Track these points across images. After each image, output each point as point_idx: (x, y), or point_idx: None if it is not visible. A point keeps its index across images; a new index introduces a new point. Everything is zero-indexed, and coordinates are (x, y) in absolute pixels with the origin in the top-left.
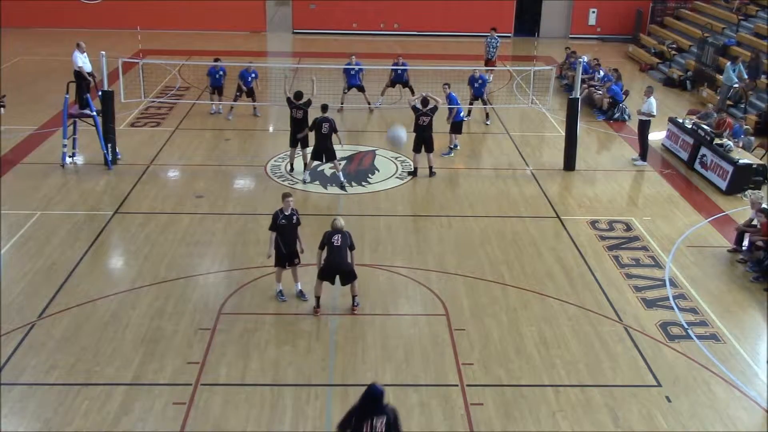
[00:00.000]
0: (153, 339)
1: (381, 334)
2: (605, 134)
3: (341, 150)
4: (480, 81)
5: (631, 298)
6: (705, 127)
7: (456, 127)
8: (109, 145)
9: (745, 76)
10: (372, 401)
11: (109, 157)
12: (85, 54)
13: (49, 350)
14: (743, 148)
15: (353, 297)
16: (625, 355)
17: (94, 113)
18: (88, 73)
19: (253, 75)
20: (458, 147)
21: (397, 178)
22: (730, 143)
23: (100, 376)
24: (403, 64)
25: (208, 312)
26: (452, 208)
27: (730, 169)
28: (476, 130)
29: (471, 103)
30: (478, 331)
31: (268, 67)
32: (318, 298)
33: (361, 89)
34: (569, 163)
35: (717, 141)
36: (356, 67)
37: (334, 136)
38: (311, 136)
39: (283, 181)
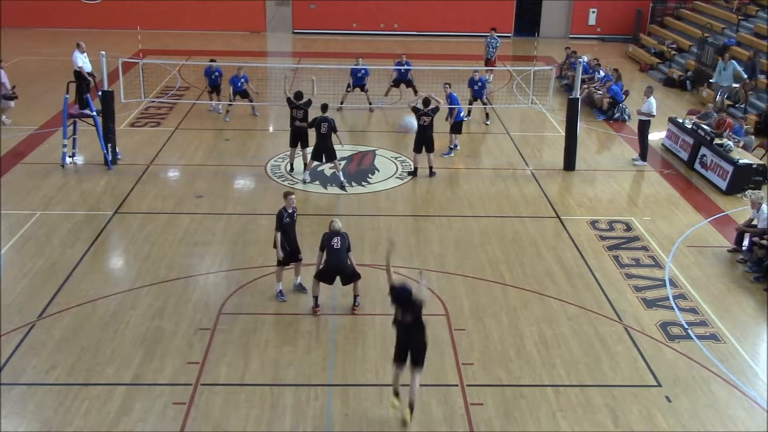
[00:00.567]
0: (153, 339)
1: (381, 334)
2: (605, 134)
3: (341, 150)
4: (480, 83)
5: (631, 298)
6: (705, 127)
7: (456, 127)
8: (109, 145)
9: (744, 76)
10: (406, 298)
11: (109, 157)
12: (85, 54)
13: (49, 350)
14: (743, 148)
15: (355, 296)
16: (625, 355)
17: (94, 113)
18: (88, 73)
19: (243, 80)
20: (458, 147)
21: (397, 178)
22: (730, 143)
23: (100, 376)
24: (407, 63)
25: (208, 312)
26: (452, 208)
27: (730, 169)
28: (476, 130)
29: (470, 103)
30: (478, 331)
31: (267, 67)
32: (316, 298)
33: (364, 89)
34: (569, 163)
35: (717, 141)
36: (363, 68)
37: (334, 136)
38: (311, 137)
39: (283, 181)
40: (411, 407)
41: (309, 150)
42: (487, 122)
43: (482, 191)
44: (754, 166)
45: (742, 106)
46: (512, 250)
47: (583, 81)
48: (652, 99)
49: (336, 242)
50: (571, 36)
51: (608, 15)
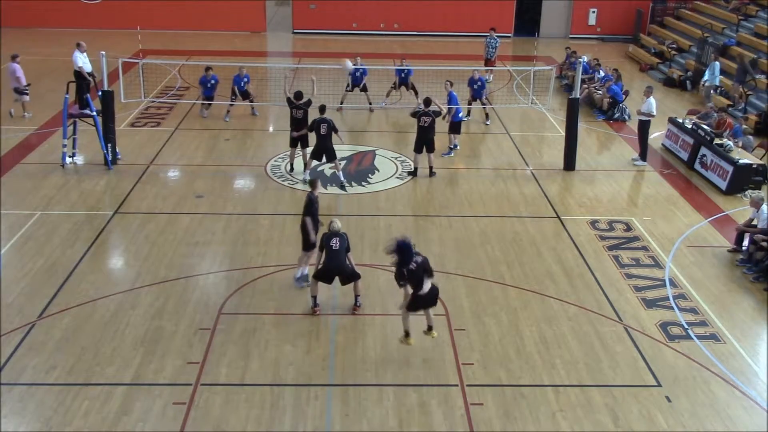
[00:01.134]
0: (153, 339)
1: (381, 334)
2: (605, 134)
3: (341, 150)
4: (479, 83)
5: (631, 298)
6: (705, 127)
7: (455, 127)
8: (109, 145)
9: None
10: (407, 251)
11: (109, 157)
12: (85, 54)
13: (49, 350)
14: (743, 148)
15: (356, 296)
16: (625, 355)
17: (94, 113)
18: (88, 73)
19: (246, 79)
20: (458, 147)
21: (397, 178)
22: (730, 143)
23: (100, 376)
24: (408, 71)
25: (208, 312)
26: (452, 208)
27: (730, 169)
28: (476, 130)
29: (470, 103)
30: (478, 331)
31: (267, 67)
32: (314, 298)
33: (364, 89)
34: (569, 163)
35: (717, 141)
36: (361, 68)
37: (334, 135)
38: (312, 137)
39: (283, 181)
40: (431, 328)
41: (309, 150)
42: (487, 122)
43: (482, 191)
44: (754, 166)
45: (742, 106)
46: (512, 250)
47: (583, 81)
48: (651, 99)
49: (335, 243)
50: (571, 36)
51: (608, 15)
